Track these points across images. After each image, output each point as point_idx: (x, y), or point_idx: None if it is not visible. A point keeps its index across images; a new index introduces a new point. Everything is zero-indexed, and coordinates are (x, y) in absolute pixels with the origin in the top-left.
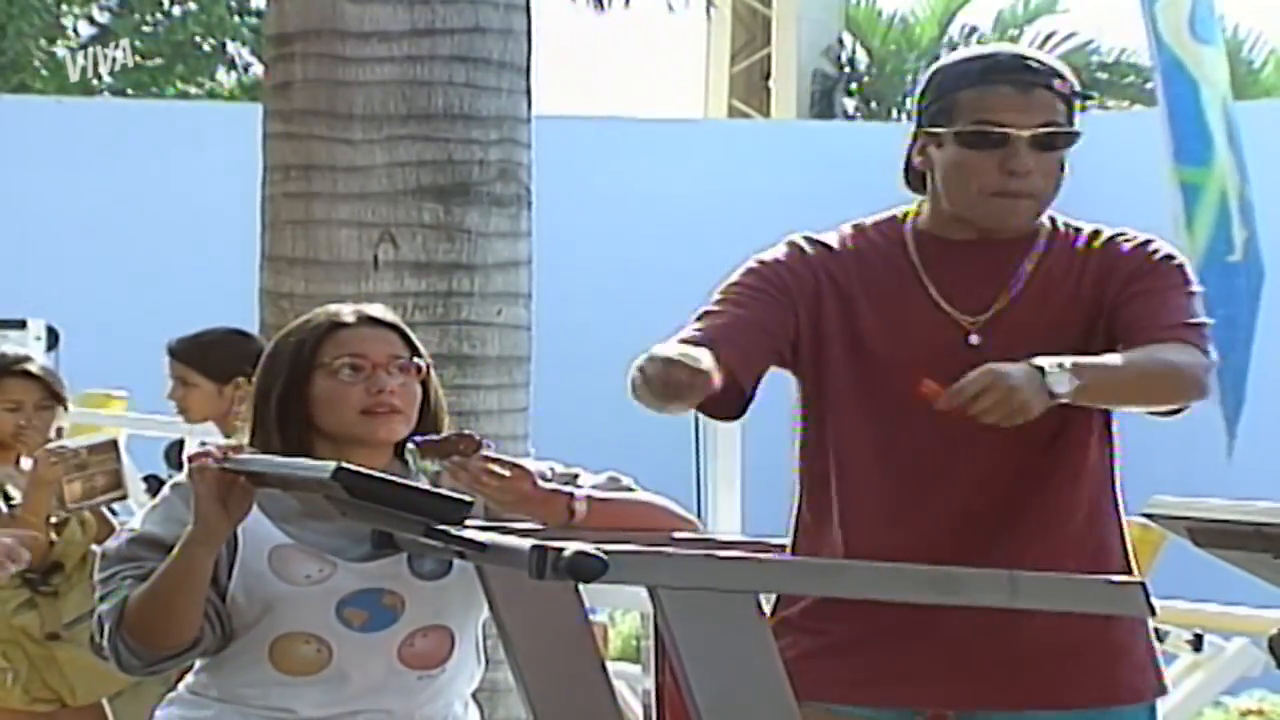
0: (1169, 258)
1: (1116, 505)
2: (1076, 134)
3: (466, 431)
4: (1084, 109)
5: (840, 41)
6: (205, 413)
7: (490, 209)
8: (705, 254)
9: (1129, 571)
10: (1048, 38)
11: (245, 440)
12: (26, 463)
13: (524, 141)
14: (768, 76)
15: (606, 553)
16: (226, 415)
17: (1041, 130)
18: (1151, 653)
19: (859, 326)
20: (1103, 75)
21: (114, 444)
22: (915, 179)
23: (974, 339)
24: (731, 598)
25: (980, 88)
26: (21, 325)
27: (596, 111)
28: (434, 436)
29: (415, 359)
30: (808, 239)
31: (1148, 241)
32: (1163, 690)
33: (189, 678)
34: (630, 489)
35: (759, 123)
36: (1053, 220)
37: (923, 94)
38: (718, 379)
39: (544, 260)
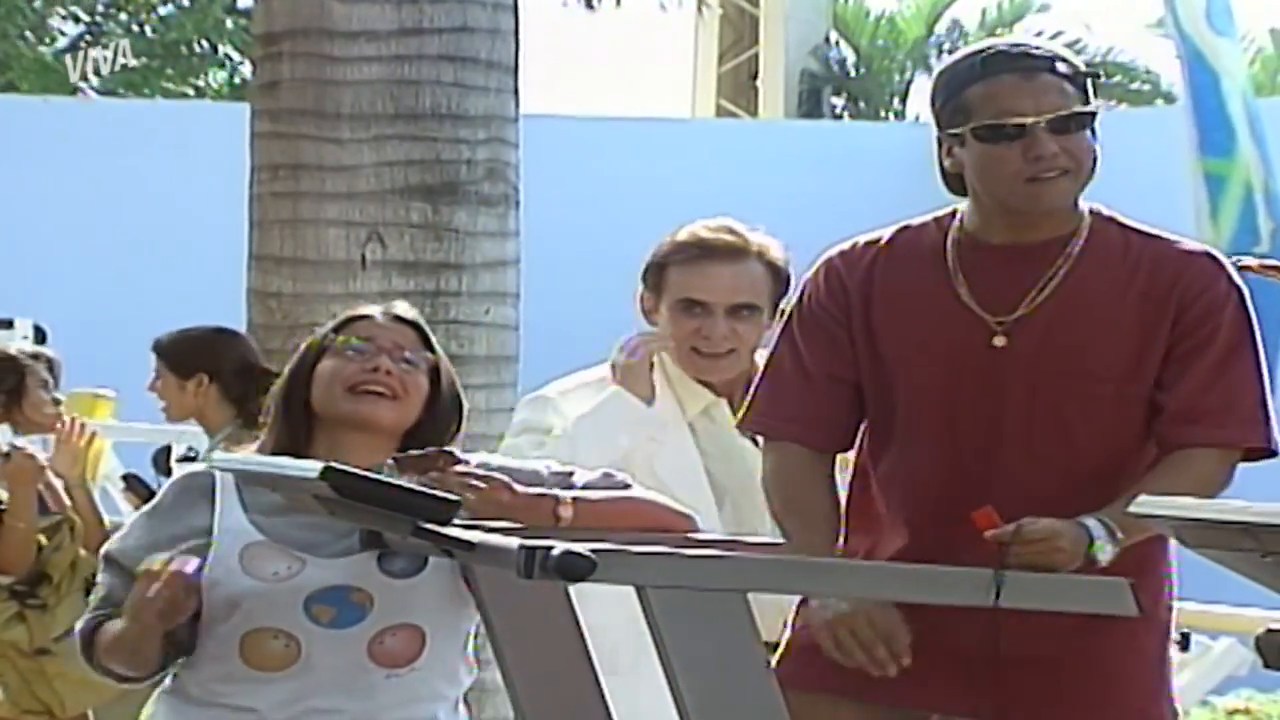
0: (1238, 299)
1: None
2: (1092, 113)
3: (446, 449)
4: (1097, 86)
5: (828, 41)
6: (175, 408)
7: (478, 208)
8: None
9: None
10: (1035, 37)
11: (263, 436)
12: None
13: (512, 141)
14: (755, 76)
15: (594, 552)
16: (200, 413)
17: (1056, 114)
18: (1159, 678)
19: (875, 331)
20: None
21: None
22: (954, 181)
23: (998, 341)
24: (720, 597)
25: (985, 81)
26: (9, 325)
27: (584, 111)
28: (412, 453)
29: (426, 353)
30: (841, 255)
31: (1213, 260)
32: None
33: (169, 677)
34: (626, 485)
35: (747, 122)
36: (1097, 216)
37: (934, 98)
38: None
39: (532, 260)
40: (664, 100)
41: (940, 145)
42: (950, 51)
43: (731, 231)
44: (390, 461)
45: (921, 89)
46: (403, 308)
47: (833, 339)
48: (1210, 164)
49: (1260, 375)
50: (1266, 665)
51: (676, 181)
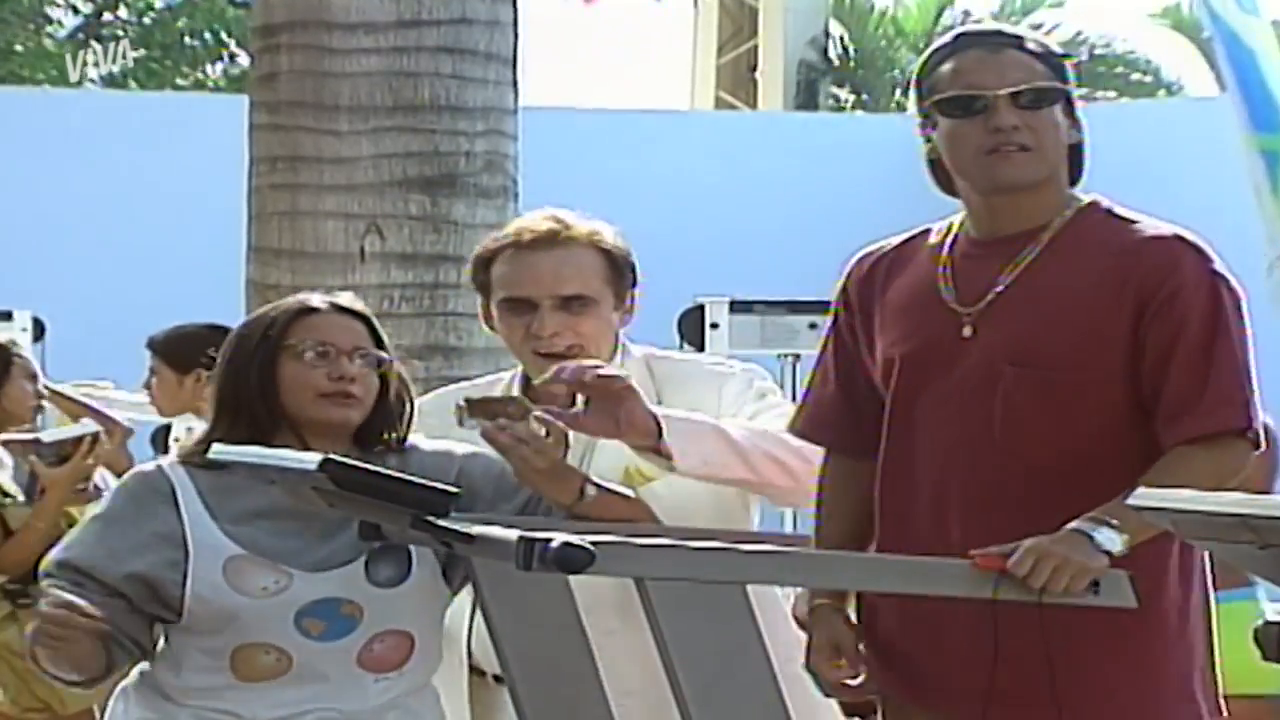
0: (1209, 281)
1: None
2: (1060, 90)
3: (516, 396)
4: (1077, 69)
5: (826, 32)
6: (169, 403)
7: (477, 200)
8: (692, 246)
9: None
10: (1036, 30)
11: (209, 422)
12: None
13: (510, 133)
14: (754, 68)
15: (593, 544)
16: (196, 407)
17: (1019, 88)
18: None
19: (875, 335)
20: (1091, 69)
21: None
22: (941, 175)
23: (966, 331)
24: (718, 589)
25: (954, 57)
26: (8, 316)
27: (583, 103)
28: (484, 397)
29: (377, 352)
30: (857, 261)
31: (1181, 243)
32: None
33: (141, 669)
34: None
35: (746, 114)
36: (1090, 207)
37: (917, 81)
38: None
39: None
40: (663, 92)
41: (922, 129)
42: None
43: (553, 219)
44: (461, 403)
45: None
46: (348, 299)
47: (844, 345)
48: (1264, 140)
49: (1241, 359)
50: (1265, 657)
51: (675, 173)
